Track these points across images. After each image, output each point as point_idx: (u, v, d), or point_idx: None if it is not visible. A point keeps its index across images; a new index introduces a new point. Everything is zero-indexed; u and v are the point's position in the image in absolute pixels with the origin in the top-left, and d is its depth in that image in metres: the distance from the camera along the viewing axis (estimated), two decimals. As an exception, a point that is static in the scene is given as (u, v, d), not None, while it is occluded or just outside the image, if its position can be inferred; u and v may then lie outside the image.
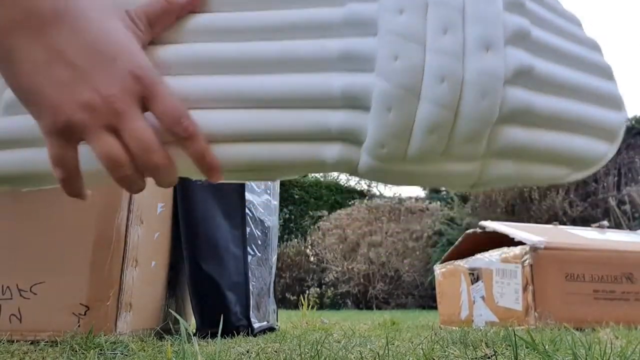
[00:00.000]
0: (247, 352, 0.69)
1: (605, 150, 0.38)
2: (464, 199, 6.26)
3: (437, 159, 0.34)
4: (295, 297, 5.29)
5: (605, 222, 1.99)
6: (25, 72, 0.29)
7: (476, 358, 0.62)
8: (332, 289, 5.92)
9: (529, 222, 4.53)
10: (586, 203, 5.34)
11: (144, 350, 0.69)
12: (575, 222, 4.86)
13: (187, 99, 0.33)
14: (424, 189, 9.57)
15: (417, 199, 7.17)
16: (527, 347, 0.64)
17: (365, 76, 0.33)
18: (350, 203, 7.09)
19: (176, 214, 1.04)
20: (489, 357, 0.61)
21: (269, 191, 1.33)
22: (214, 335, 0.95)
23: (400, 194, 8.58)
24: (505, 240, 1.54)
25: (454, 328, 1.37)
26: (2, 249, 0.83)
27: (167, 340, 0.82)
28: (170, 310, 1.03)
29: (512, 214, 5.26)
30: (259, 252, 1.22)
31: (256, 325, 1.11)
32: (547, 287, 1.38)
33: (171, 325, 1.02)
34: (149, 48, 0.34)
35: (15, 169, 0.37)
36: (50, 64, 0.29)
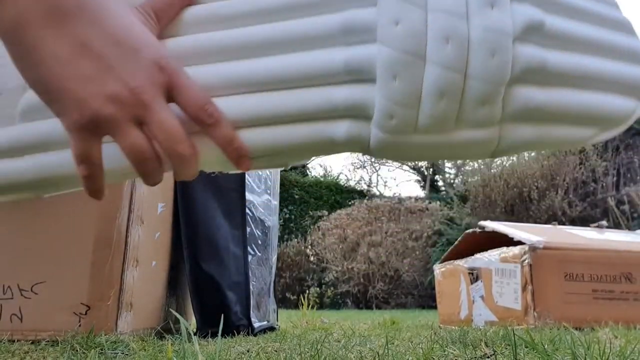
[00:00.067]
0: (248, 351, 0.69)
1: (633, 106, 0.35)
2: (464, 199, 6.26)
3: (450, 126, 0.32)
4: (295, 297, 5.29)
5: (604, 222, 1.99)
6: (49, 66, 0.28)
7: (476, 357, 0.62)
8: (332, 288, 5.92)
9: (528, 222, 4.53)
10: (585, 203, 5.35)
11: (145, 350, 0.69)
12: (574, 222, 4.87)
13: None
14: (424, 189, 9.58)
15: (416, 199, 7.17)
16: (526, 347, 0.64)
17: (368, 47, 0.33)
18: (350, 203, 7.09)
19: (177, 214, 1.04)
20: (488, 357, 0.62)
21: (269, 191, 1.33)
22: (214, 335, 0.95)
23: (400, 194, 8.59)
24: (504, 240, 1.54)
25: (453, 327, 1.37)
26: (3, 249, 0.83)
27: (168, 340, 0.82)
28: (170, 309, 1.03)
29: (511, 214, 5.26)
30: (259, 252, 1.22)
31: (256, 324, 1.11)
32: (546, 287, 1.39)
33: (172, 325, 1.02)
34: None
35: (37, 174, 0.37)
36: (75, 57, 0.28)
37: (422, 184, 10.00)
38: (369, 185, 10.45)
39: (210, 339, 0.91)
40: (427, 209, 6.37)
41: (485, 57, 0.31)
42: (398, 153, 0.34)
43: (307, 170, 9.89)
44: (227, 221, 1.10)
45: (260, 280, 1.22)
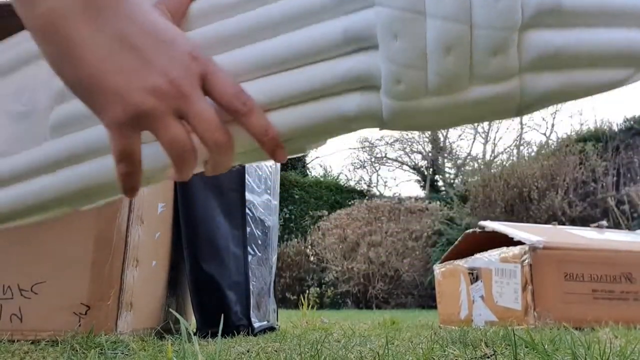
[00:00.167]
0: (248, 351, 0.69)
1: None
2: (464, 199, 6.27)
3: (464, 84, 0.30)
4: (295, 297, 5.29)
5: (604, 222, 1.99)
6: (88, 61, 0.27)
7: (476, 358, 0.62)
8: (332, 288, 5.92)
9: (528, 222, 4.53)
10: (585, 203, 5.35)
11: (145, 350, 0.69)
12: (574, 222, 4.87)
13: None
14: (424, 189, 9.58)
15: (416, 199, 7.18)
16: (526, 347, 0.64)
17: (366, 12, 0.31)
18: (350, 203, 7.09)
19: (177, 214, 1.04)
20: (488, 357, 0.62)
21: (269, 191, 1.33)
22: (214, 335, 0.95)
23: (400, 194, 8.59)
24: (504, 240, 1.54)
25: (453, 327, 1.37)
26: (2, 249, 0.83)
27: (168, 340, 0.82)
28: (170, 309, 1.03)
29: (511, 214, 5.26)
30: (259, 252, 1.22)
31: (256, 324, 1.11)
32: (546, 287, 1.39)
33: (172, 325, 1.02)
34: None
35: (71, 188, 0.37)
36: (114, 51, 0.28)
37: (422, 184, 10.00)
38: (369, 185, 10.46)
39: (210, 339, 0.91)
40: (427, 209, 6.38)
41: (489, 2, 0.28)
42: (413, 121, 0.32)
43: (307, 170, 9.89)
44: (227, 221, 1.10)
45: (260, 280, 1.22)
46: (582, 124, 8.42)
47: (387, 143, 10.54)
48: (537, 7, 0.29)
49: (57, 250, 0.82)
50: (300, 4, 0.33)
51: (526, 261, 1.41)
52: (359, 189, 9.42)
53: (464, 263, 1.71)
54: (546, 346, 0.63)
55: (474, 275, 1.64)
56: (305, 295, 2.26)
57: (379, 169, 10.78)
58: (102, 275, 0.81)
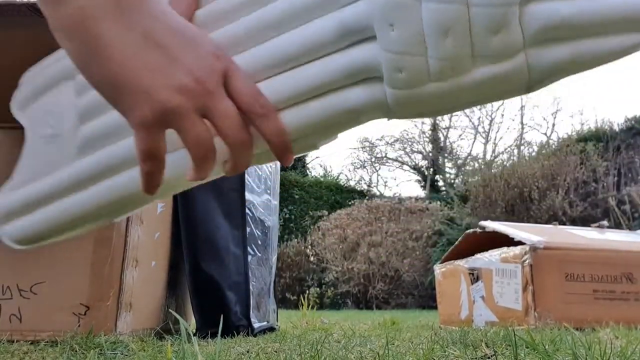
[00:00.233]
0: (247, 352, 0.69)
1: None
2: (464, 199, 6.26)
3: (467, 66, 0.29)
4: (295, 297, 5.29)
5: (605, 222, 1.99)
6: (115, 59, 0.28)
7: (476, 358, 0.62)
8: (332, 288, 5.92)
9: (528, 222, 4.53)
10: (586, 203, 5.34)
11: (144, 350, 0.69)
12: (575, 222, 4.86)
13: None
14: (424, 189, 9.58)
15: (417, 199, 7.18)
16: (527, 347, 0.64)
17: (360, 3, 0.31)
18: (350, 203, 7.09)
19: (176, 214, 1.04)
20: (489, 357, 0.61)
21: (269, 191, 1.33)
22: (214, 335, 0.95)
23: (400, 194, 8.59)
24: (505, 240, 1.54)
25: (454, 328, 1.37)
26: (2, 249, 0.83)
27: (167, 340, 0.82)
28: (170, 310, 1.03)
29: (511, 214, 5.26)
30: (259, 252, 1.22)
31: (256, 325, 1.11)
32: (547, 287, 1.38)
33: (171, 325, 1.02)
34: None
35: (107, 200, 0.39)
36: (141, 49, 0.28)
37: (422, 184, 10.00)
38: (369, 185, 10.46)
39: (209, 340, 0.91)
40: (428, 209, 6.37)
41: None
42: (420, 108, 0.32)
43: (307, 170, 9.89)
44: (227, 221, 1.09)
45: (260, 281, 1.22)
46: (582, 124, 8.42)
47: (387, 143, 10.54)
48: None
49: (56, 251, 0.82)
50: (295, 3, 0.33)
51: (527, 261, 1.40)
52: (359, 189, 9.41)
53: (464, 263, 1.70)
54: (547, 346, 0.63)
55: (475, 276, 1.63)
56: (305, 296, 2.25)
57: (379, 169, 10.78)
58: (102, 276, 0.81)
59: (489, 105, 12.15)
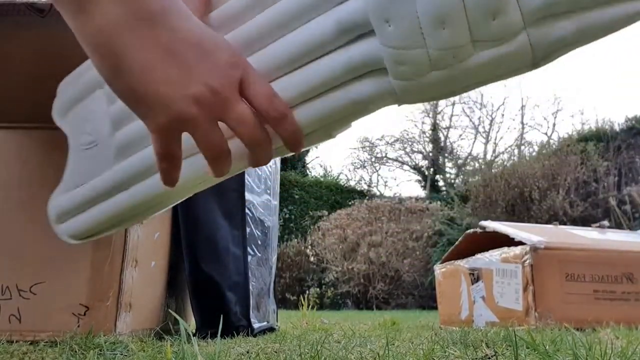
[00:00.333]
0: (247, 352, 0.69)
1: None
2: (464, 199, 6.26)
3: (468, 52, 0.30)
4: (295, 297, 5.29)
5: (606, 222, 1.98)
6: (135, 72, 0.30)
7: (476, 358, 0.61)
8: (332, 289, 5.92)
9: (529, 222, 4.53)
10: (586, 203, 5.34)
11: (144, 351, 0.69)
12: (575, 222, 4.86)
13: None
14: (424, 189, 9.57)
15: (417, 199, 7.17)
16: (527, 348, 0.64)
17: (354, 1, 0.32)
18: (350, 203, 7.09)
19: (176, 214, 1.04)
20: (489, 358, 0.61)
21: (269, 191, 1.33)
22: (213, 336, 0.95)
23: (400, 194, 8.59)
24: (505, 240, 1.54)
25: (454, 328, 1.37)
26: (1, 249, 0.83)
27: (167, 341, 0.82)
28: (170, 310, 1.03)
29: (512, 214, 5.25)
30: (259, 252, 1.22)
31: (256, 325, 1.11)
32: (547, 287, 1.38)
33: (171, 326, 1.02)
34: None
35: (146, 199, 0.42)
36: (159, 62, 0.30)
37: (422, 184, 9.99)
38: (369, 185, 10.45)
39: (209, 340, 0.91)
40: (428, 209, 6.37)
41: None
42: (430, 94, 0.33)
43: (307, 170, 9.89)
44: (227, 221, 1.09)
45: (260, 281, 1.21)
46: (583, 124, 8.41)
47: (388, 143, 10.53)
48: None
49: (56, 251, 0.82)
50: (291, 5, 0.34)
51: (527, 261, 1.40)
52: (359, 189, 9.41)
53: (464, 263, 1.70)
54: (547, 347, 0.62)
55: (475, 276, 1.63)
56: (305, 296, 2.25)
57: (379, 168, 10.78)
58: (101, 276, 0.81)
59: (489, 105, 12.15)
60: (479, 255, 1.62)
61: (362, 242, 5.82)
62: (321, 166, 13.05)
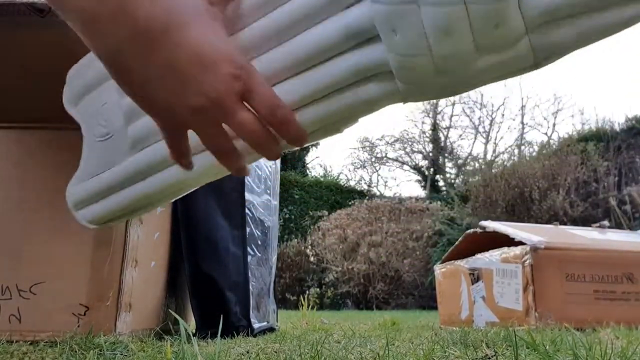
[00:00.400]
0: (247, 352, 0.69)
1: None
2: (465, 199, 6.26)
3: (472, 57, 0.31)
4: (295, 297, 5.29)
5: (606, 222, 1.98)
6: (141, 85, 0.33)
7: (477, 358, 0.61)
8: (332, 289, 5.91)
9: (529, 222, 4.52)
10: (587, 203, 5.34)
11: (144, 351, 0.69)
12: (575, 222, 4.86)
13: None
14: (424, 189, 9.57)
15: (417, 199, 7.17)
16: (527, 348, 0.64)
17: (362, 6, 0.32)
18: (350, 203, 7.09)
19: (176, 214, 1.03)
20: (489, 358, 0.61)
21: (269, 191, 1.33)
22: (213, 336, 0.95)
23: (400, 194, 8.59)
24: (505, 240, 1.54)
25: (454, 328, 1.36)
26: (1, 249, 0.83)
27: (167, 341, 0.82)
28: (169, 310, 1.03)
29: (512, 214, 5.25)
30: (259, 252, 1.22)
31: (256, 325, 1.11)
32: (547, 287, 1.38)
33: (171, 326, 1.02)
34: None
35: (160, 189, 0.44)
36: (161, 77, 0.32)
37: (422, 184, 9.99)
38: (369, 185, 10.45)
39: (209, 340, 0.91)
40: (428, 209, 6.37)
41: None
42: (435, 94, 0.34)
43: (307, 170, 9.89)
44: (227, 221, 1.09)
45: (260, 281, 1.21)
46: (583, 124, 8.41)
47: (388, 143, 10.53)
48: None
49: (56, 251, 0.82)
50: (299, 7, 0.35)
51: (527, 261, 1.40)
52: (359, 189, 9.41)
53: (464, 263, 1.70)
54: (547, 347, 0.62)
55: (475, 276, 1.63)
56: (305, 296, 2.25)
57: (379, 168, 10.78)
58: (101, 276, 0.81)
59: (489, 105, 12.14)
60: (479, 255, 1.62)
61: (362, 242, 5.82)
62: (321, 166, 13.06)
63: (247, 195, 1.16)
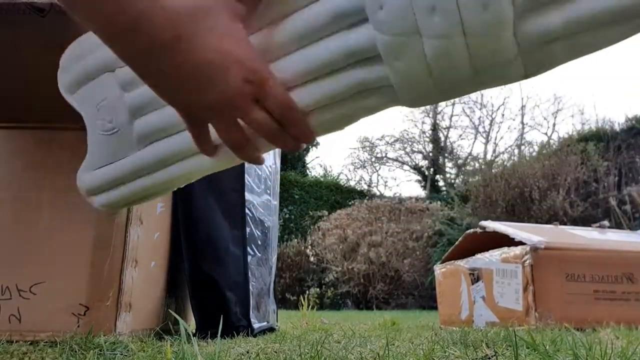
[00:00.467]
0: (247, 352, 0.69)
1: None
2: (465, 199, 6.26)
3: (468, 77, 0.33)
4: (295, 297, 5.29)
5: (606, 222, 1.98)
6: (159, 88, 0.37)
7: (476, 358, 0.61)
8: (332, 289, 5.91)
9: (529, 222, 4.52)
10: (587, 203, 5.33)
11: (144, 351, 0.69)
12: (575, 222, 4.85)
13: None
14: (424, 189, 9.57)
15: (417, 199, 7.17)
16: (527, 348, 0.64)
17: (364, 28, 0.34)
18: (350, 203, 7.08)
19: (176, 214, 1.03)
20: (489, 358, 0.61)
21: (269, 191, 1.33)
22: (213, 336, 0.95)
23: (400, 194, 8.58)
24: (505, 240, 1.54)
25: (454, 328, 1.36)
26: (1, 249, 0.83)
27: (167, 341, 0.82)
28: (169, 310, 1.03)
29: (512, 214, 5.25)
30: (259, 252, 1.22)
31: (256, 325, 1.11)
32: (547, 287, 1.38)
33: (171, 326, 1.01)
34: None
35: (166, 181, 0.47)
36: (175, 80, 0.35)
37: (422, 184, 9.99)
38: (369, 185, 10.45)
39: (209, 340, 0.91)
40: (428, 209, 6.37)
41: (476, 10, 0.30)
42: (432, 101, 0.36)
43: (307, 170, 9.88)
44: (227, 221, 1.09)
45: (260, 281, 1.21)
46: (583, 124, 8.41)
47: (388, 143, 10.53)
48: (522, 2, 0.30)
49: (55, 251, 0.82)
50: (311, 19, 0.36)
51: (527, 261, 1.40)
52: (359, 189, 9.41)
53: (464, 263, 1.70)
54: (547, 347, 0.62)
55: (475, 276, 1.63)
56: (305, 296, 2.25)
57: (379, 168, 10.78)
58: (101, 276, 0.81)
59: (489, 105, 12.13)
60: (479, 255, 1.62)
61: (362, 242, 5.82)
62: (321, 166, 13.06)
63: (247, 195, 1.16)
